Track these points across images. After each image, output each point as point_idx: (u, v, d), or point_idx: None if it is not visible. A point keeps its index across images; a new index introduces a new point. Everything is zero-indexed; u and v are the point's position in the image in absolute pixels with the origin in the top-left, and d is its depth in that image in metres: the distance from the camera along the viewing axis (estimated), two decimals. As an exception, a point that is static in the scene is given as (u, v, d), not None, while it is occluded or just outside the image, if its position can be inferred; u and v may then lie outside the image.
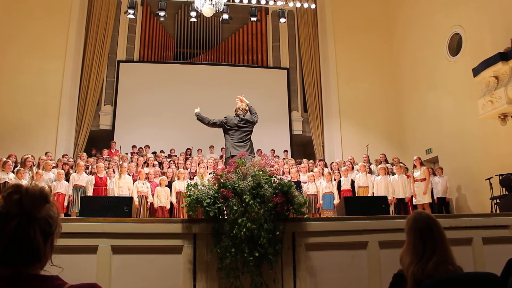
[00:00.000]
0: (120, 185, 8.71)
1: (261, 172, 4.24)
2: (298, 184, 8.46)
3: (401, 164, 9.85)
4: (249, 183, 4.11)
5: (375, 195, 8.94)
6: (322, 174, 9.58)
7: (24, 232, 1.17)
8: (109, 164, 9.90)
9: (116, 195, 8.40)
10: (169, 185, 9.08)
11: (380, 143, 13.16)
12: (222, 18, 13.25)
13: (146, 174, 9.16)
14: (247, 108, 5.98)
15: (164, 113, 14.44)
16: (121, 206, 4.62)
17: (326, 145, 14.49)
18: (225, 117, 5.91)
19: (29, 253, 1.19)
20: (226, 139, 5.83)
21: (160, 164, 10.56)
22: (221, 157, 11.75)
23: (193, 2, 10.98)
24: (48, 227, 1.23)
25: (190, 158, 11.47)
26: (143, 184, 8.83)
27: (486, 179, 9.02)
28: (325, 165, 11.07)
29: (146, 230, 3.97)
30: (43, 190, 1.24)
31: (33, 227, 1.19)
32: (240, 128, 5.83)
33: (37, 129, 12.39)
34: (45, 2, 13.39)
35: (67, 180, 8.82)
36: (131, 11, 12.87)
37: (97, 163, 9.59)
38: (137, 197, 8.59)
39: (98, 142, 13.80)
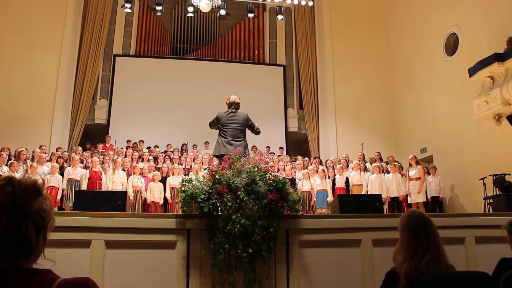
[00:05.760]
0: (114, 180, 8.69)
1: (256, 169, 4.23)
2: (293, 181, 8.46)
3: (395, 163, 9.88)
4: (243, 179, 4.10)
5: (369, 193, 8.97)
6: (317, 171, 9.60)
7: (16, 225, 1.16)
8: (103, 158, 9.86)
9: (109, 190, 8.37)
10: (164, 180, 9.06)
11: (375, 142, 13.18)
12: (219, 13, 13.23)
13: (141, 169, 9.14)
14: (240, 101, 5.70)
15: (160, 108, 14.40)
16: (115, 201, 4.62)
17: (321, 142, 14.51)
18: (217, 115, 5.65)
19: (21, 246, 1.17)
20: (219, 135, 5.62)
21: (155, 159, 10.53)
22: (216, 153, 11.70)
23: (191, -3, 10.94)
24: (41, 220, 1.21)
25: (185, 154, 11.43)
26: (137, 179, 8.80)
27: (480, 179, 9.07)
28: (320, 163, 11.07)
29: (140, 225, 3.96)
30: (36, 182, 1.22)
31: (25, 220, 1.17)
32: (231, 123, 5.55)
33: (32, 123, 12.30)
34: (41, -5, 13.29)
35: (62, 174, 8.79)
36: (128, 5, 12.82)
37: (91, 157, 9.55)
38: (132, 191, 8.57)
39: (93, 136, 13.75)
